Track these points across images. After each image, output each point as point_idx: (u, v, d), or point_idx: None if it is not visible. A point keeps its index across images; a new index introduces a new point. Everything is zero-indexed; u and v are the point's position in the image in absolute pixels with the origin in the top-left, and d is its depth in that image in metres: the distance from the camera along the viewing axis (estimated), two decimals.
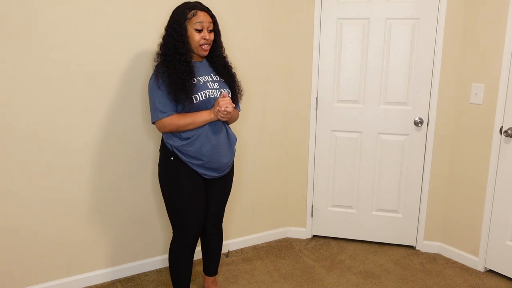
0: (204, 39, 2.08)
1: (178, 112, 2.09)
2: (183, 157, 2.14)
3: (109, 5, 2.37)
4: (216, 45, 2.19)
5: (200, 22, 2.06)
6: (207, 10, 2.11)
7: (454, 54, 2.85)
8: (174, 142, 2.14)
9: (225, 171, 2.25)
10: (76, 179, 2.44)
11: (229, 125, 2.30)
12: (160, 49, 2.11)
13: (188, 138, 2.12)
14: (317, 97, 3.10)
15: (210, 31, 2.12)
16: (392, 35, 2.92)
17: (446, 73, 2.88)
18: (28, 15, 2.17)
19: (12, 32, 2.15)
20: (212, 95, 2.12)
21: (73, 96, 2.35)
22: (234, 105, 2.09)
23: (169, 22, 2.10)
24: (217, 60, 2.21)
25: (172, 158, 2.16)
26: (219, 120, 2.12)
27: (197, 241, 2.24)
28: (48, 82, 2.28)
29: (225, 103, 2.05)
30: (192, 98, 2.06)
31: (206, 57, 2.21)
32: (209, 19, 2.10)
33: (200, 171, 2.16)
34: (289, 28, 3.03)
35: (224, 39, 2.32)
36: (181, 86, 2.03)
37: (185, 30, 2.06)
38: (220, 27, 2.20)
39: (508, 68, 2.60)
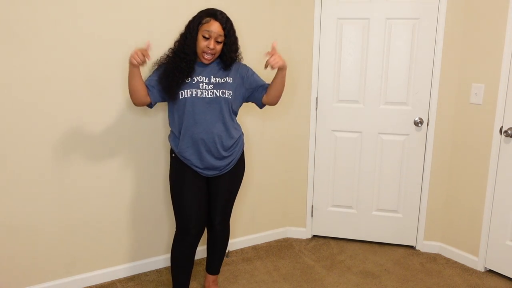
0: (208, 47, 2.08)
1: (161, 97, 2.15)
2: (178, 154, 2.16)
3: (112, 6, 2.37)
4: (225, 57, 2.16)
5: (208, 30, 2.07)
6: (221, 22, 2.08)
7: (454, 54, 2.85)
8: (170, 138, 2.20)
9: (223, 171, 2.23)
10: (77, 179, 2.44)
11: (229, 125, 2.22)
12: (174, 44, 2.17)
13: (177, 135, 2.16)
14: (317, 97, 3.10)
15: (219, 43, 2.11)
16: (392, 35, 2.92)
17: (446, 73, 2.88)
18: (28, 15, 2.17)
19: (13, 32, 2.15)
20: (200, 94, 2.10)
21: (76, 96, 2.35)
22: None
23: (189, 21, 2.14)
24: (229, 64, 2.20)
25: (173, 154, 2.20)
26: (206, 127, 2.11)
27: (199, 240, 2.23)
28: (50, 82, 2.27)
29: None
30: (178, 93, 2.09)
31: (222, 62, 2.20)
32: (219, 31, 2.08)
33: (195, 169, 2.17)
34: (289, 28, 3.03)
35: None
36: (169, 81, 2.07)
37: (196, 33, 2.09)
38: None
39: (508, 68, 2.60)
